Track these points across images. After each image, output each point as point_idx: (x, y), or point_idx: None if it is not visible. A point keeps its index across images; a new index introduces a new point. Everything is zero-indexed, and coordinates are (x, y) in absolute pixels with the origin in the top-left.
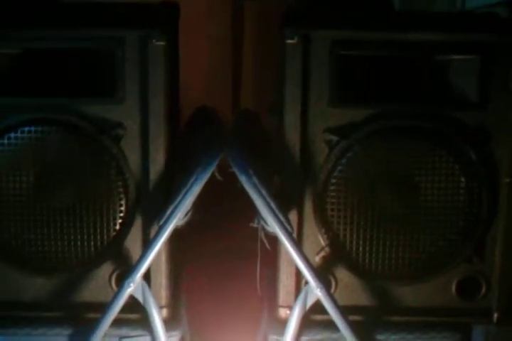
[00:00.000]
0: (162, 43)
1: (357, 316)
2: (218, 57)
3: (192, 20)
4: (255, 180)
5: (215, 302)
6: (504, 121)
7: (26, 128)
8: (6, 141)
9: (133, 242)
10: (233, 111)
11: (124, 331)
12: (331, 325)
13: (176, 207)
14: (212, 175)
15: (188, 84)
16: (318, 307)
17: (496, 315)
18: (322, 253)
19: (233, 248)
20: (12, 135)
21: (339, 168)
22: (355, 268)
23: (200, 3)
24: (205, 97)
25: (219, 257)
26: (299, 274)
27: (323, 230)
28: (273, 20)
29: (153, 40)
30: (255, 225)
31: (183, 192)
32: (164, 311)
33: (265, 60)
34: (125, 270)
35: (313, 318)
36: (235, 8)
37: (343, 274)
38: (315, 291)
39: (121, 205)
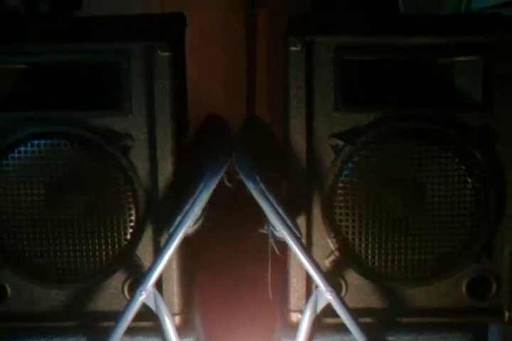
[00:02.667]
0: (167, 54)
1: (368, 318)
2: (233, 65)
3: (206, 30)
4: (262, 186)
5: (228, 307)
6: (509, 121)
7: (36, 142)
8: (16, 155)
9: (144, 251)
10: None
11: (137, 339)
12: (342, 328)
13: (185, 215)
14: (223, 183)
15: (204, 93)
16: (329, 310)
17: (507, 314)
18: (332, 257)
19: (245, 253)
20: (22, 148)
21: (346, 172)
22: (364, 270)
23: (214, 13)
24: (220, 106)
25: (231, 262)
26: (309, 278)
27: (331, 234)
28: (285, 27)
29: (159, 51)
30: (265, 231)
31: (191, 200)
32: (177, 318)
33: (279, 67)
34: (137, 278)
35: (325, 321)
36: (248, 17)
37: (353, 277)
38: (325, 295)
39: (131, 215)
